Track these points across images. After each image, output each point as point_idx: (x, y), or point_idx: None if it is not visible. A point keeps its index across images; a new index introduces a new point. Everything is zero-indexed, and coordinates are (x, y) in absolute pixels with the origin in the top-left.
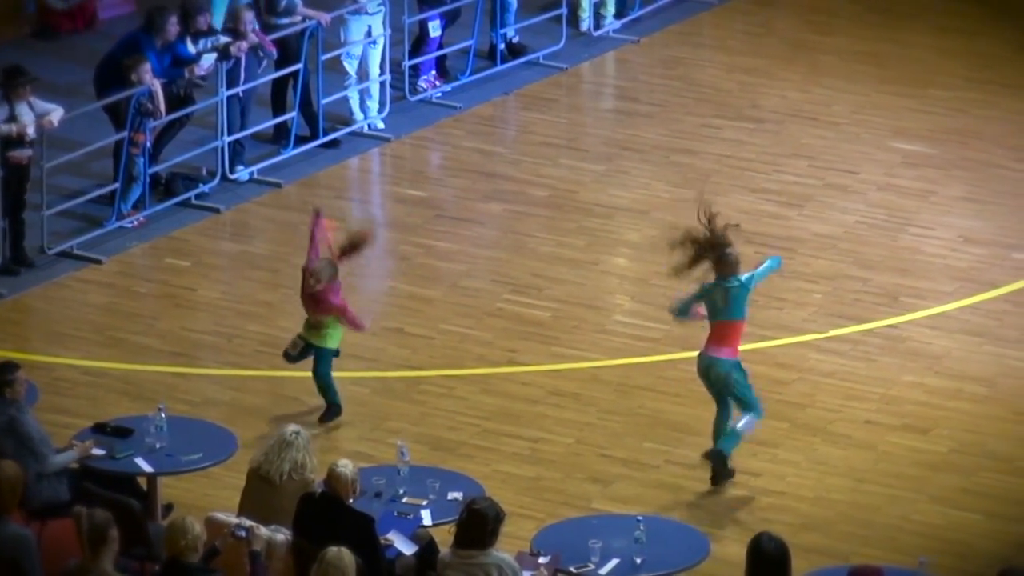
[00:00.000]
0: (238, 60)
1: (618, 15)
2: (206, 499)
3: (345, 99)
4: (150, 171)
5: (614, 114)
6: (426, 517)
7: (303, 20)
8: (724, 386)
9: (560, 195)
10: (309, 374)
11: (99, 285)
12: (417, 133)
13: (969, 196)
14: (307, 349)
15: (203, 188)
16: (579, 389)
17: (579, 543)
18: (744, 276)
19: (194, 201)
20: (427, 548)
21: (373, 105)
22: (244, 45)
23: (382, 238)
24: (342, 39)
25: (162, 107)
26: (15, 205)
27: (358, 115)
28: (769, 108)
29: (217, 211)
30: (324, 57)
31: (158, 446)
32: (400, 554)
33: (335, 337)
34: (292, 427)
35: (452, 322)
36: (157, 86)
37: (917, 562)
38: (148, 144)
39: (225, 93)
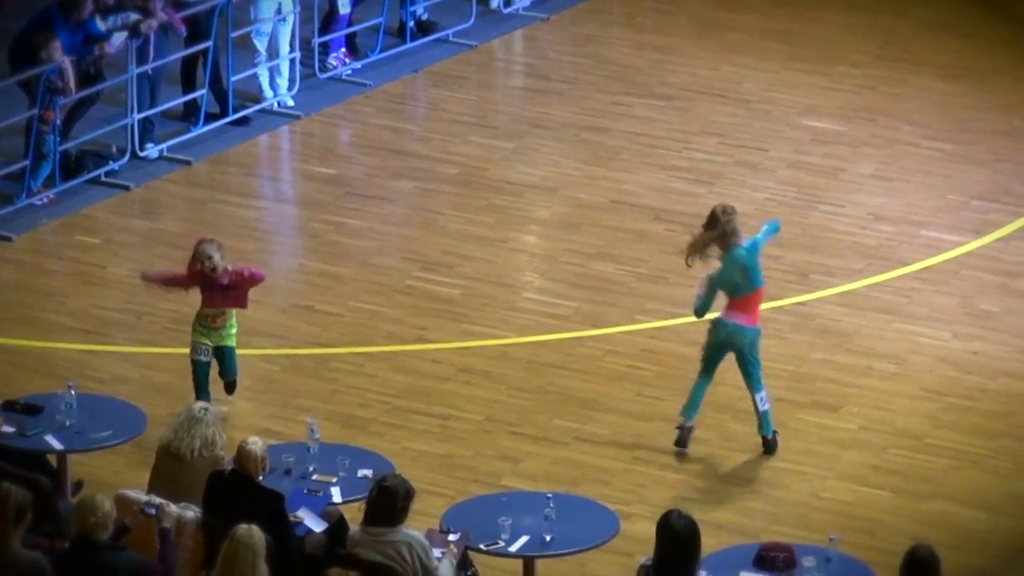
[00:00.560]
0: (147, 38)
1: None
2: (116, 476)
3: (255, 76)
4: (60, 148)
5: (524, 92)
6: (336, 494)
7: None
8: (746, 354)
9: (470, 172)
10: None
11: (9, 262)
12: (327, 110)
13: (879, 174)
14: (214, 353)
15: (113, 165)
16: (489, 366)
17: (489, 520)
18: (747, 242)
19: (104, 178)
20: (337, 525)
21: (283, 82)
22: (154, 23)
23: (292, 216)
24: (252, 16)
25: (72, 85)
26: None
27: (268, 92)
28: (679, 85)
29: (127, 188)
30: (234, 34)
31: (68, 423)
32: (310, 531)
33: (235, 333)
34: (200, 403)
35: (362, 299)
36: (67, 63)
37: (827, 539)
38: (58, 121)
39: (135, 71)
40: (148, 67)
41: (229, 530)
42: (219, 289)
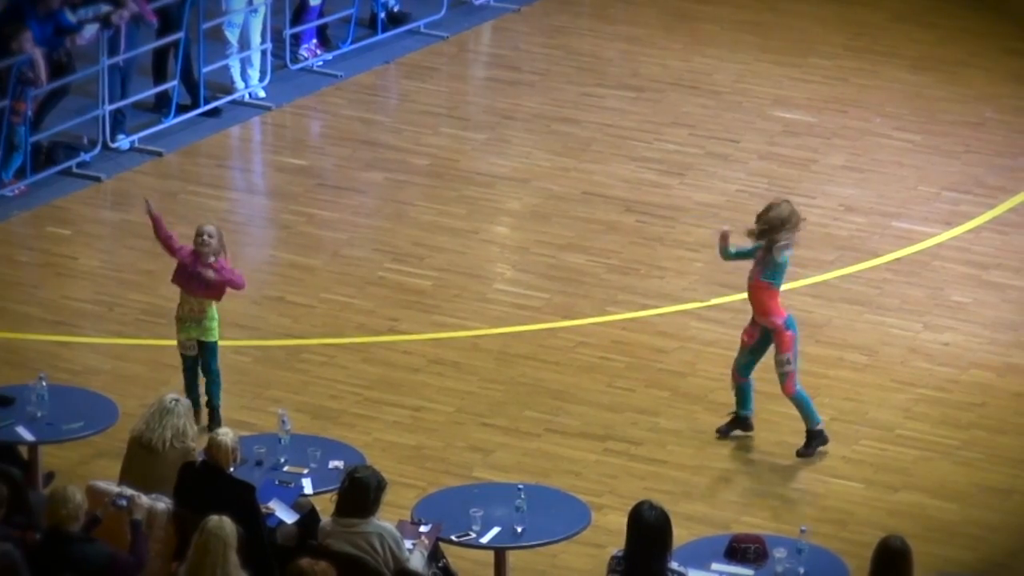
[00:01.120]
0: (119, 29)
1: None
2: (87, 468)
3: (226, 68)
4: (31, 140)
5: (495, 83)
6: (307, 486)
7: None
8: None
9: (441, 164)
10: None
11: None
12: (298, 102)
13: (850, 165)
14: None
15: (84, 157)
16: (460, 358)
17: (460, 512)
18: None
19: (75, 170)
20: (308, 517)
21: (254, 74)
22: (125, 14)
23: (263, 207)
24: (223, 8)
25: (43, 76)
26: None
27: (239, 84)
28: (650, 77)
29: (98, 180)
30: (205, 26)
31: (39, 415)
32: (281, 522)
33: (217, 328)
34: (172, 395)
35: (333, 291)
36: (38, 55)
37: (798, 531)
38: (29, 113)
39: (106, 62)
40: (119, 58)
41: (200, 521)
42: (198, 279)
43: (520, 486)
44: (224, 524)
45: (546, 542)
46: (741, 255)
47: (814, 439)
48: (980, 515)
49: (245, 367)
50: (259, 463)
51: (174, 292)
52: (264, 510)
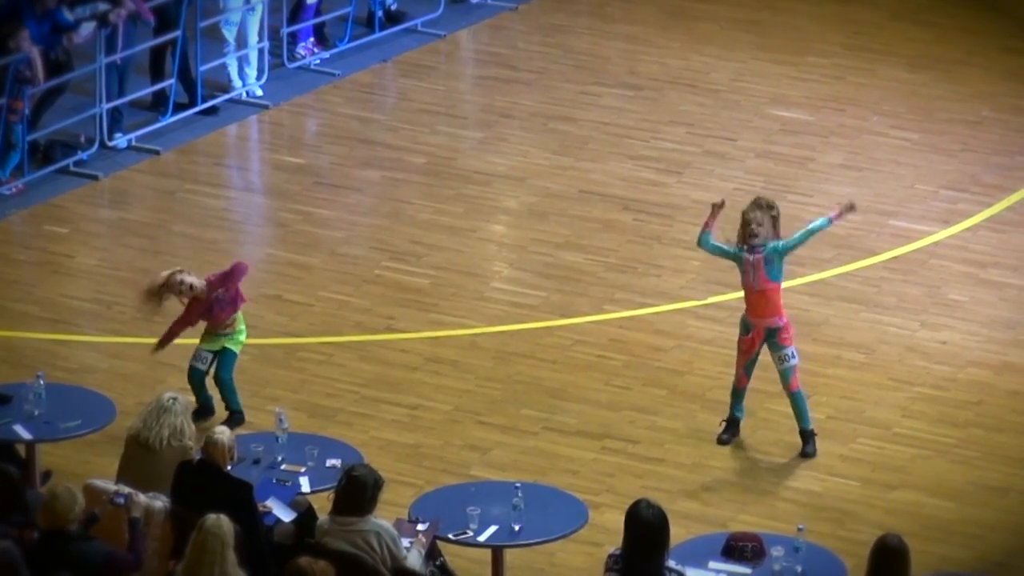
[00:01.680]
0: (116, 27)
1: None
2: (85, 466)
3: (223, 66)
4: (28, 138)
5: (492, 81)
6: (305, 484)
7: None
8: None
9: (438, 162)
10: (191, 341)
11: None
12: (295, 100)
13: (847, 163)
14: (214, 357)
15: (81, 155)
16: (457, 356)
17: (457, 510)
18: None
19: (72, 168)
20: (305, 515)
21: (252, 72)
22: (123, 12)
23: (261, 205)
24: (221, 6)
25: (40, 74)
26: None
27: (236, 82)
28: (647, 75)
29: (95, 178)
30: (203, 24)
31: (36, 413)
32: (279, 521)
33: (241, 339)
34: (169, 393)
35: (331, 289)
36: (36, 53)
37: (795, 529)
38: (27, 111)
39: (103, 60)
40: (117, 57)
41: (198, 520)
42: (217, 303)
43: (517, 484)
44: (222, 522)
45: (543, 540)
46: (717, 251)
47: (811, 437)
48: (977, 513)
49: (242, 365)
50: (256, 461)
51: None
52: (261, 508)
